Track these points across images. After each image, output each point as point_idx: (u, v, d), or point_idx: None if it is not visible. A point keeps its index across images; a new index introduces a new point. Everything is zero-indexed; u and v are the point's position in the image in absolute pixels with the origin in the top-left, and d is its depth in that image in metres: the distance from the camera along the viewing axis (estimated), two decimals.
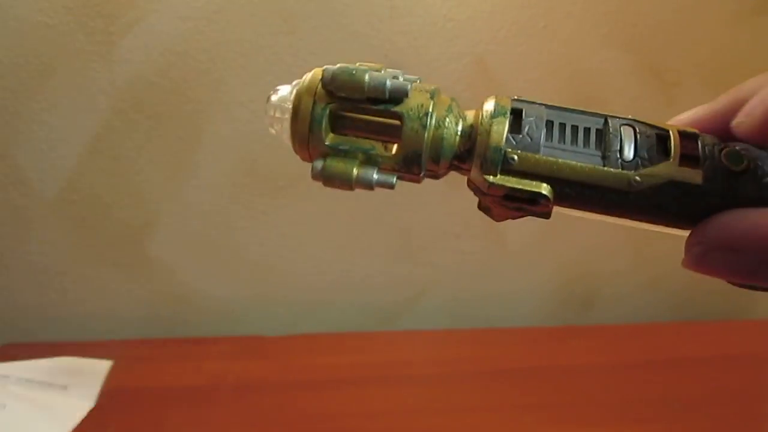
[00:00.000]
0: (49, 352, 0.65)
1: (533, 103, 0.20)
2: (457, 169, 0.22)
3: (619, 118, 0.20)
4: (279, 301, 0.73)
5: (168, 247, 0.69)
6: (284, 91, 0.22)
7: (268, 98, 0.23)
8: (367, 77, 0.20)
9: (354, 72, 0.20)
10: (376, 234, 0.72)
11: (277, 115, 0.22)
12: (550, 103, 0.20)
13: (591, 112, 0.20)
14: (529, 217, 0.21)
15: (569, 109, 0.20)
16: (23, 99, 0.62)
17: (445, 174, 0.22)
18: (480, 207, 0.22)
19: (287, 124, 0.22)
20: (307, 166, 0.22)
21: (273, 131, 0.23)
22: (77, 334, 0.70)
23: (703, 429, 0.54)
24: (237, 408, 0.57)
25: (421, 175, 0.21)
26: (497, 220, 0.21)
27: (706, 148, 0.19)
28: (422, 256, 0.73)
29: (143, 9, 0.60)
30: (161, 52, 0.62)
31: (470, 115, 0.21)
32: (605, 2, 0.67)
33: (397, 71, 0.22)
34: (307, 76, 0.22)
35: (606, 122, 0.20)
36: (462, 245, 0.72)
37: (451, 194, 0.71)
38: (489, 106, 0.21)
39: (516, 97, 0.21)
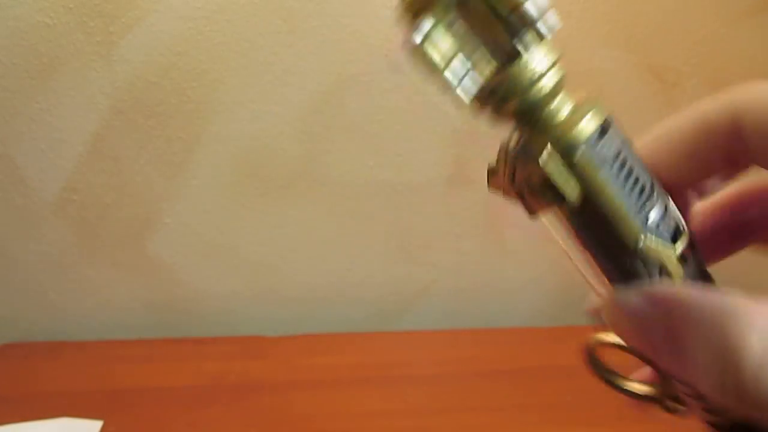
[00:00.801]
0: (49, 352, 0.65)
1: (620, 129, 0.21)
2: (518, 126, 0.20)
3: (664, 195, 0.20)
4: (279, 301, 0.73)
5: (168, 247, 0.69)
6: None
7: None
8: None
9: None
10: (376, 234, 0.72)
11: None
12: (632, 142, 0.21)
13: (649, 172, 0.21)
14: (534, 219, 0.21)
15: (642, 158, 0.21)
16: (23, 99, 0.62)
17: (517, 126, 0.21)
18: (493, 172, 0.22)
19: None
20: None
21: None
22: (77, 334, 0.70)
23: (704, 429, 0.54)
24: (237, 408, 0.57)
25: (493, 120, 0.21)
26: (530, 216, 0.21)
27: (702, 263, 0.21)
28: (422, 256, 0.73)
29: (143, 9, 0.60)
30: (161, 52, 0.62)
31: (577, 95, 0.21)
32: (605, 2, 0.67)
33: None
34: None
35: (653, 186, 0.20)
36: (462, 245, 0.72)
37: (451, 194, 0.71)
38: (593, 101, 0.20)
39: (610, 117, 0.20)
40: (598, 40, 0.69)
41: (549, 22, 0.19)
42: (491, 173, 0.22)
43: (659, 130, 0.23)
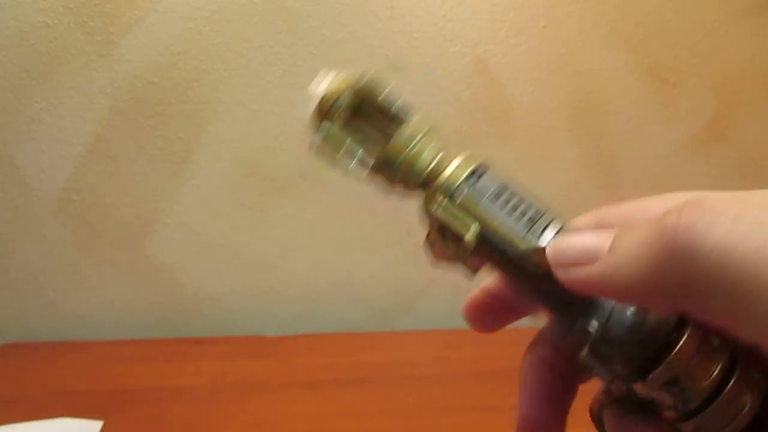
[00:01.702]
0: (49, 352, 0.65)
1: (497, 170, 0.23)
2: (419, 192, 0.24)
3: (554, 212, 0.22)
4: (279, 301, 0.73)
5: (168, 247, 0.69)
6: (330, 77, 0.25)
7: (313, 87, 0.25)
8: (386, 90, 0.24)
9: (376, 81, 0.24)
10: (377, 234, 0.72)
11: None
12: (511, 178, 0.23)
13: (538, 201, 0.22)
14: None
15: (524, 188, 0.23)
16: (23, 99, 0.62)
17: (410, 190, 0.25)
18: (427, 240, 0.24)
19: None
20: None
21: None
22: (77, 334, 0.70)
23: None
24: (237, 408, 0.57)
25: (388, 186, 0.25)
26: (435, 261, 0.24)
27: None
28: (422, 256, 0.73)
29: (143, 9, 0.60)
30: (161, 52, 0.62)
31: (450, 153, 0.24)
32: (605, 2, 0.67)
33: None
34: (340, 76, 0.25)
35: (545, 212, 0.22)
36: None
37: None
38: (462, 156, 0.23)
39: (484, 161, 0.23)
40: (598, 40, 0.69)
41: (404, 110, 0.24)
42: (430, 246, 0.25)
43: None
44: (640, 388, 0.19)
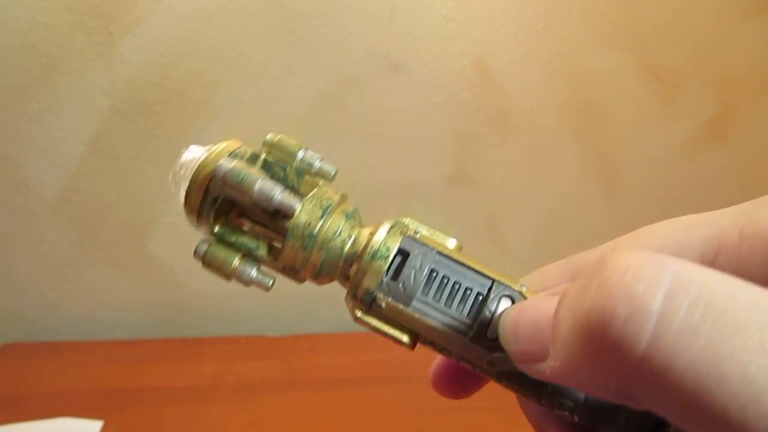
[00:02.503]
0: (49, 352, 0.65)
1: (426, 246, 0.19)
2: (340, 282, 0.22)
3: (505, 286, 0.19)
4: (279, 301, 0.73)
5: (168, 247, 0.69)
6: (195, 153, 0.22)
7: (179, 155, 0.23)
8: (255, 187, 0.20)
9: (242, 178, 0.20)
10: None
11: (182, 173, 0.22)
12: (444, 251, 0.20)
13: (481, 272, 0.19)
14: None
15: (461, 262, 0.19)
16: (23, 99, 0.62)
17: (328, 282, 0.22)
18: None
19: (183, 194, 0.22)
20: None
21: (171, 185, 0.23)
22: (77, 334, 0.70)
23: None
24: (237, 408, 0.57)
25: (298, 282, 0.22)
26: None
27: None
28: None
29: (143, 9, 0.60)
30: (161, 52, 0.62)
31: (363, 236, 0.21)
32: (605, 2, 0.67)
33: (314, 158, 0.22)
34: (216, 149, 0.22)
35: (490, 288, 0.19)
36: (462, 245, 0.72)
37: (451, 194, 0.71)
38: (378, 238, 0.20)
39: (412, 233, 0.20)
40: (598, 40, 0.69)
41: (286, 203, 0.20)
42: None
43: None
44: None
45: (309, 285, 0.22)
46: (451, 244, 0.21)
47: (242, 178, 0.20)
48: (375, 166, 0.69)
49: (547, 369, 0.15)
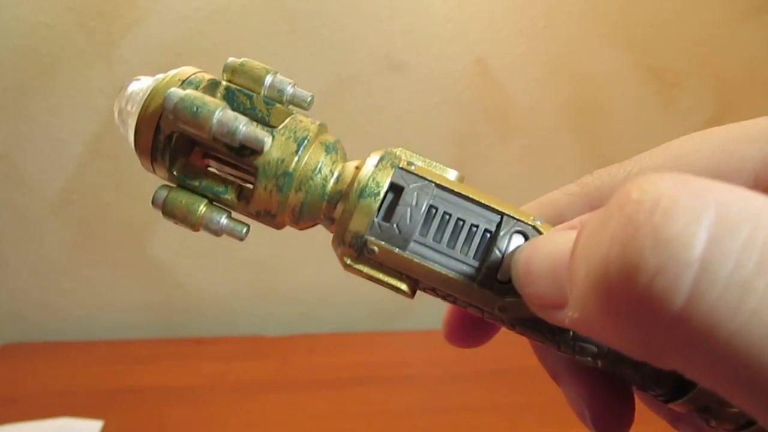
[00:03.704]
0: (49, 352, 0.65)
1: (422, 178, 0.17)
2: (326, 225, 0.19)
3: (516, 220, 0.16)
4: (279, 301, 0.73)
5: (168, 247, 0.69)
6: (143, 84, 0.19)
7: (125, 86, 0.19)
8: (214, 120, 0.17)
9: (197, 109, 0.17)
10: None
11: (129, 108, 0.19)
12: (444, 183, 0.17)
13: (489, 206, 0.17)
14: None
15: (465, 195, 0.17)
16: (23, 99, 0.62)
17: (311, 227, 0.20)
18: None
19: (132, 132, 0.18)
20: None
21: (119, 125, 0.19)
22: (77, 334, 0.70)
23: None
24: (237, 408, 0.57)
25: (277, 227, 0.19)
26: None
27: None
28: None
29: (143, 9, 0.60)
30: (161, 52, 0.62)
31: (347, 171, 0.18)
32: (605, 2, 0.67)
33: (285, 83, 0.19)
34: (166, 77, 0.18)
35: (499, 224, 0.16)
36: None
37: None
38: (365, 172, 0.17)
39: (406, 165, 0.17)
40: (598, 40, 0.69)
41: (254, 136, 0.17)
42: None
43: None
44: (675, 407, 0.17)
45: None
46: (451, 175, 0.18)
47: (197, 110, 0.17)
48: None
49: (566, 318, 0.13)
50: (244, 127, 0.17)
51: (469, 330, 0.21)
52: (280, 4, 0.62)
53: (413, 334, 0.72)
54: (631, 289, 0.10)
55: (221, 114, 0.17)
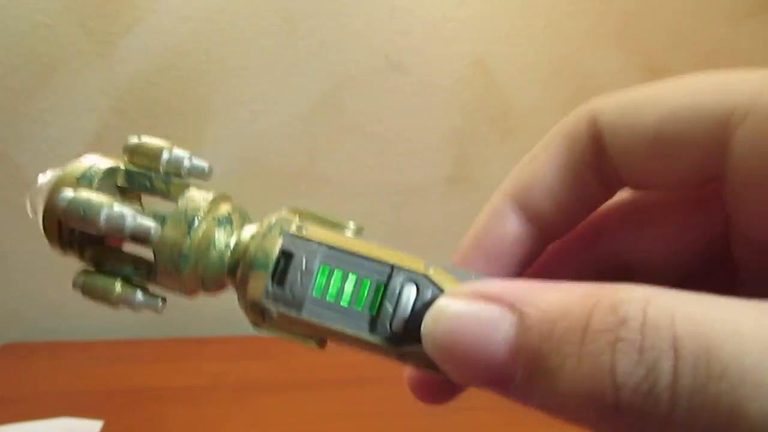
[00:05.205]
0: (49, 352, 0.65)
1: (311, 242, 0.17)
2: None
3: (406, 270, 0.17)
4: None
5: None
6: (49, 178, 0.20)
7: (37, 179, 0.20)
8: (101, 219, 0.17)
9: (84, 212, 0.18)
10: (376, 234, 0.72)
11: (38, 200, 0.20)
12: (334, 243, 0.17)
13: (380, 260, 0.17)
14: None
15: (355, 252, 0.17)
16: (23, 99, 0.62)
17: (224, 289, 0.20)
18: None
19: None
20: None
21: (33, 216, 0.20)
22: (77, 334, 0.70)
23: None
24: (237, 408, 0.57)
25: (194, 297, 0.20)
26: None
27: None
28: (422, 256, 0.73)
29: (143, 9, 0.60)
30: (161, 52, 0.62)
31: (243, 240, 0.19)
32: (605, 2, 0.67)
33: (181, 157, 0.20)
34: (65, 173, 0.20)
35: (390, 276, 0.17)
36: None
37: (451, 194, 0.71)
38: (255, 243, 0.18)
39: (296, 230, 0.17)
40: (599, 40, 0.69)
41: (142, 228, 0.18)
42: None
43: (528, 164, 0.19)
44: None
45: None
46: (348, 231, 0.18)
47: (84, 213, 0.18)
48: (375, 166, 0.69)
49: (510, 393, 0.13)
50: (130, 222, 0.18)
51: (432, 385, 0.20)
52: (280, 4, 0.62)
53: None
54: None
55: (107, 213, 0.18)
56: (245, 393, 0.59)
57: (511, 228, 0.19)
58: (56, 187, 0.19)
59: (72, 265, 0.20)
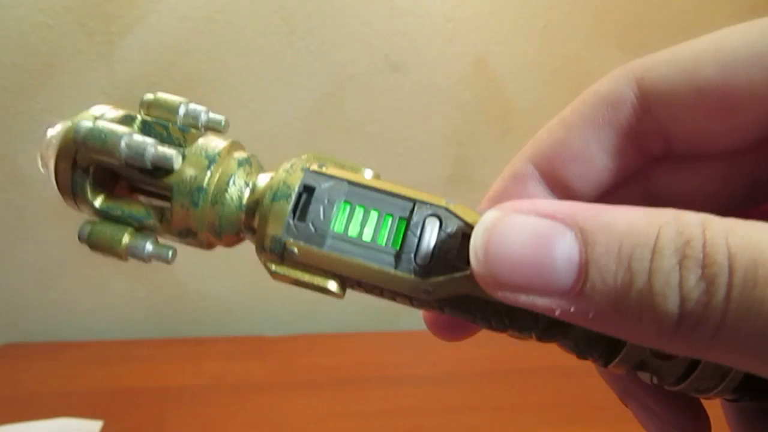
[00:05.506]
0: (49, 352, 0.65)
1: (333, 177, 0.17)
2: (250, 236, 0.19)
3: (429, 204, 0.17)
4: (279, 301, 0.73)
5: None
6: (61, 127, 0.19)
7: (45, 133, 0.20)
8: (122, 144, 0.17)
9: (105, 137, 0.17)
10: None
11: (48, 153, 0.19)
12: (357, 180, 0.17)
13: (401, 195, 0.17)
14: None
15: (377, 188, 0.17)
16: (23, 99, 0.62)
17: (237, 242, 0.20)
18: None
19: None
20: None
21: (44, 171, 0.20)
22: (77, 334, 0.70)
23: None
24: (237, 408, 0.57)
25: (204, 247, 0.19)
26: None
27: None
28: None
29: (143, 9, 0.60)
30: (161, 52, 0.62)
31: (261, 180, 0.19)
32: (605, 2, 0.67)
33: (199, 110, 0.19)
34: (79, 115, 0.19)
35: (412, 211, 0.17)
36: None
37: (450, 193, 0.71)
38: (276, 178, 0.18)
39: (317, 167, 0.18)
40: (599, 40, 0.69)
41: (163, 155, 0.17)
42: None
43: (560, 122, 0.18)
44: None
45: None
46: (367, 174, 0.18)
47: (105, 138, 0.17)
48: (375, 166, 0.69)
49: (556, 310, 0.13)
50: (152, 148, 0.17)
51: (450, 322, 0.21)
52: (280, 4, 0.62)
53: (413, 334, 0.72)
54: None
55: (129, 139, 0.17)
56: (245, 393, 0.59)
57: (533, 194, 0.18)
58: (73, 124, 0.18)
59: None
